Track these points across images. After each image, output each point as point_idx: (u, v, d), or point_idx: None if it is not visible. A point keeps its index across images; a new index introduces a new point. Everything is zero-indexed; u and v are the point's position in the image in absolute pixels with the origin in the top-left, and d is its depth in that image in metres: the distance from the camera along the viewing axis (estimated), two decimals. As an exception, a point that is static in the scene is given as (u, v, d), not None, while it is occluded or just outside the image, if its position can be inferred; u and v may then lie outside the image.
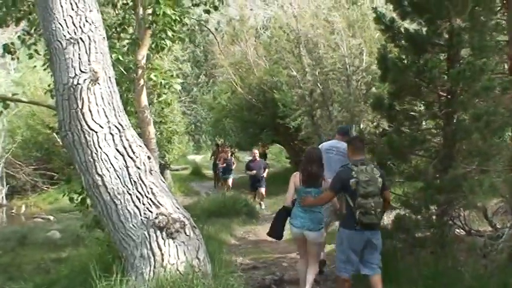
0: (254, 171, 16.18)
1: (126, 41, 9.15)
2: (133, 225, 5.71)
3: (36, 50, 9.74)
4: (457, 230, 7.10)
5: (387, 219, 7.51)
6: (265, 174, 16.45)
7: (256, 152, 17.23)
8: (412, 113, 7.33)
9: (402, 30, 7.21)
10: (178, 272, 5.47)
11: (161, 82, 8.78)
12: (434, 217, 6.91)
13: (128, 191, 5.75)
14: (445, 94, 6.91)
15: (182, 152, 28.42)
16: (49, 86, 9.89)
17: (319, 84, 13.70)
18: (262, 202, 16.17)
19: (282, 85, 18.00)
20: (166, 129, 21.22)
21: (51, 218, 19.07)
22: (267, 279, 7.26)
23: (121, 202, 5.73)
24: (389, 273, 6.55)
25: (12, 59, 10.53)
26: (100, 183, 5.74)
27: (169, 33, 8.70)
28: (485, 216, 7.25)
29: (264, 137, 23.48)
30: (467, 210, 6.95)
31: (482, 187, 5.61)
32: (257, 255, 9.18)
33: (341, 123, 12.87)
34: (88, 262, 6.55)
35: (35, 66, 13.90)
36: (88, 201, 7.80)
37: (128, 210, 5.73)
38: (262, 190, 16.35)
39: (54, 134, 20.09)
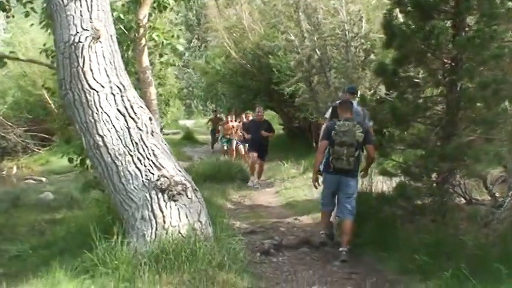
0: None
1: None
2: (134, 187, 5.67)
3: (32, 8, 9.51)
4: (457, 199, 7.09)
5: (387, 186, 7.50)
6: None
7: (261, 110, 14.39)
8: (415, 80, 7.25)
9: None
10: (180, 235, 5.46)
11: (163, 42, 8.62)
12: (434, 185, 6.89)
13: (129, 152, 5.70)
14: (449, 62, 6.83)
15: (175, 116, 28.23)
16: (44, 45, 9.69)
17: (317, 50, 13.53)
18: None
19: (278, 50, 17.77)
20: (166, 90, 20.96)
21: (43, 179, 18.97)
22: (266, 243, 7.24)
23: (122, 163, 5.68)
24: (389, 240, 6.60)
25: (7, 17, 10.27)
26: (101, 143, 5.67)
27: (173, -8, 8.56)
28: (485, 185, 7.25)
29: (258, 103, 23.32)
30: (469, 178, 6.93)
31: (488, 156, 5.57)
32: (254, 219, 9.18)
33: (339, 89, 12.79)
34: (85, 224, 6.54)
35: (32, 24, 13.56)
36: (88, 162, 7.72)
37: (129, 171, 5.69)
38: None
39: (46, 95, 19.89)
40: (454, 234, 6.05)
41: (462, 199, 7.13)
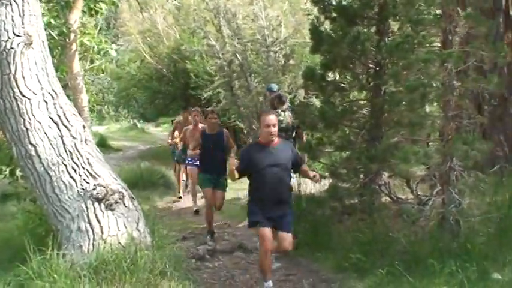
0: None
1: (52, 4, 8.60)
2: (69, 197, 5.48)
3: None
4: (384, 198, 7.37)
5: (319, 187, 7.69)
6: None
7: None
8: (342, 84, 7.49)
9: (334, 2, 7.32)
10: (119, 245, 5.32)
11: (94, 47, 8.38)
12: (362, 185, 7.14)
13: (62, 162, 5.51)
14: (373, 66, 7.12)
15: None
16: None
17: (238, 55, 13.65)
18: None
19: (194, 55, 17.71)
20: (92, 97, 20.27)
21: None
22: (200, 249, 7.22)
23: (56, 173, 5.48)
24: (323, 241, 6.78)
25: None
26: (33, 153, 5.44)
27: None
28: (409, 185, 7.57)
29: (174, 109, 23.14)
30: (395, 178, 7.24)
31: (417, 156, 5.84)
32: (183, 226, 9.10)
33: (260, 94, 12.95)
34: (15, 236, 6.25)
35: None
36: (18, 172, 7.34)
37: (62, 181, 5.49)
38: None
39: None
40: (384, 232, 6.28)
41: (388, 198, 7.41)
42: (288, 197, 5.79)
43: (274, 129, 5.57)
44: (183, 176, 12.22)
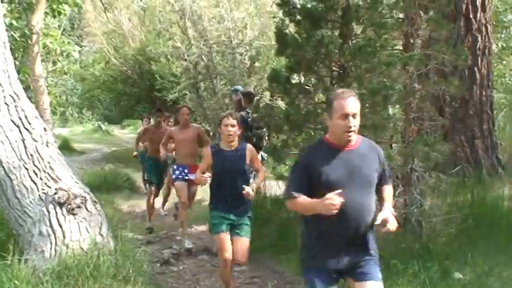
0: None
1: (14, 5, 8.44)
2: (30, 201, 5.41)
3: None
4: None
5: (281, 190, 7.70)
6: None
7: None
8: (306, 87, 7.53)
9: (298, 5, 7.35)
10: (82, 249, 5.26)
11: (57, 49, 8.23)
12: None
13: (24, 165, 5.43)
14: (337, 69, 7.18)
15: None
16: None
17: (203, 57, 13.62)
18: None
19: (160, 57, 17.61)
20: (55, 99, 19.97)
21: None
22: (165, 253, 7.18)
23: (17, 177, 5.40)
24: (287, 243, 6.80)
25: None
26: (-6, 156, 5.33)
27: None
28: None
29: (140, 110, 22.95)
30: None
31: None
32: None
33: (226, 96, 12.94)
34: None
35: None
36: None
37: (24, 185, 5.42)
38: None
39: None
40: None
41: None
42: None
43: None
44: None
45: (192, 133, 7.67)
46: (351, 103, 3.42)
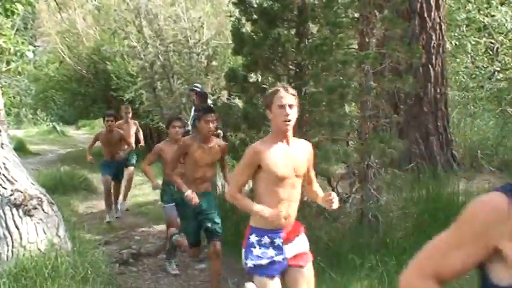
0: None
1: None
2: (-15, 203, 5.28)
3: None
4: (306, 197, 7.51)
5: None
6: None
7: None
8: (263, 85, 7.58)
9: (255, 4, 7.39)
10: (39, 251, 5.19)
11: (11, 49, 8.04)
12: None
13: (-23, 167, 5.30)
14: (294, 68, 7.25)
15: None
16: None
17: (160, 56, 13.54)
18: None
19: (116, 56, 17.39)
20: (9, 99, 19.51)
21: None
22: (124, 253, 7.12)
23: (-30, 179, 5.27)
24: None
25: None
26: None
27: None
28: (330, 183, 7.76)
29: (95, 110, 22.60)
30: (316, 177, 7.39)
31: (337, 155, 6.01)
32: (105, 230, 8.93)
33: (183, 95, 12.91)
34: None
35: None
36: None
37: (-22, 187, 5.29)
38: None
39: None
40: (307, 230, 6.41)
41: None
42: None
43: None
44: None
45: None
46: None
